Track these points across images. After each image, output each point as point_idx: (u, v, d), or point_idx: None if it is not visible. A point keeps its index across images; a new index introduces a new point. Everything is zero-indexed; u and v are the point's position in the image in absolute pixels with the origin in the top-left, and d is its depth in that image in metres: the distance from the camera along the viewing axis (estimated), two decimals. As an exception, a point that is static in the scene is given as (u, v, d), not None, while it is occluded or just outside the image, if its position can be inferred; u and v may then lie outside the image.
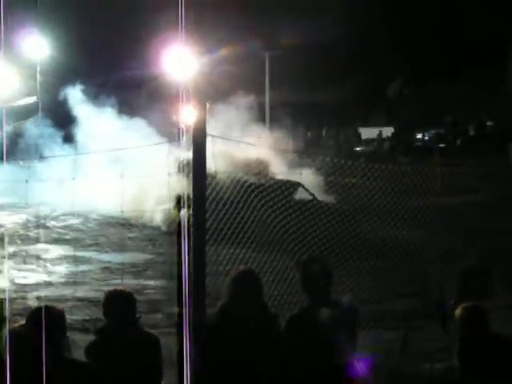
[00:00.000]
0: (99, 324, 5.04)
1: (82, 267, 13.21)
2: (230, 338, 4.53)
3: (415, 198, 15.31)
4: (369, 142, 36.25)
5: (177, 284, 6.03)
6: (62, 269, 13.03)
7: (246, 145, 16.83)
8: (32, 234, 16.20)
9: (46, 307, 4.24)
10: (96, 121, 20.36)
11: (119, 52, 23.59)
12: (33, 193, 18.63)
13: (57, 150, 20.05)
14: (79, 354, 4.94)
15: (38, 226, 16.80)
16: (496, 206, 14.21)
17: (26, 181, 17.18)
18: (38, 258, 13.61)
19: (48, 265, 13.24)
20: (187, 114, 5.49)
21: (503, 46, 36.18)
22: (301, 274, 4.69)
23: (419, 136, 36.67)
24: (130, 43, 23.22)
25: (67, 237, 16.09)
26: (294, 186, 16.20)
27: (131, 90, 21.55)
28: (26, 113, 23.05)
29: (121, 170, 16.72)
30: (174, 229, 5.78)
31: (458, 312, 4.86)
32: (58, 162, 18.31)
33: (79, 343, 5.72)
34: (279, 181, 16.05)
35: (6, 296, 10.15)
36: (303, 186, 16.70)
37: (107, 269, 13.02)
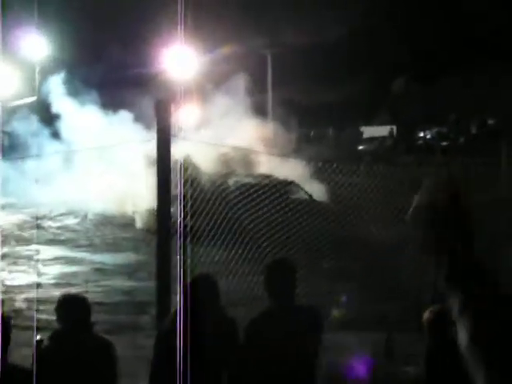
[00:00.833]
0: (52, 329, 4.96)
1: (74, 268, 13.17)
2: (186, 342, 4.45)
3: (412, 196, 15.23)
4: (371, 140, 36.12)
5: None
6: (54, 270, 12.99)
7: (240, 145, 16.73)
8: (27, 234, 16.19)
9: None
10: (89, 119, 20.31)
11: (118, 50, 23.58)
12: (30, 192, 18.77)
13: (48, 148, 20.01)
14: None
15: (33, 227, 16.80)
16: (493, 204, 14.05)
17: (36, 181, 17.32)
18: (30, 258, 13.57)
19: (40, 265, 13.20)
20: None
21: (508, 45, 35.98)
22: (264, 276, 4.62)
23: (421, 134, 36.55)
24: (130, 41, 23.20)
25: (62, 237, 16.05)
26: (289, 185, 16.10)
27: (129, 88, 21.47)
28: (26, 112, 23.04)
29: (106, 168, 16.82)
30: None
31: (426, 315, 4.79)
32: (49, 161, 18.34)
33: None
34: (274, 180, 15.95)
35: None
36: (298, 185, 16.60)
37: (99, 270, 12.96)
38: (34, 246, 14.75)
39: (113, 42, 25.49)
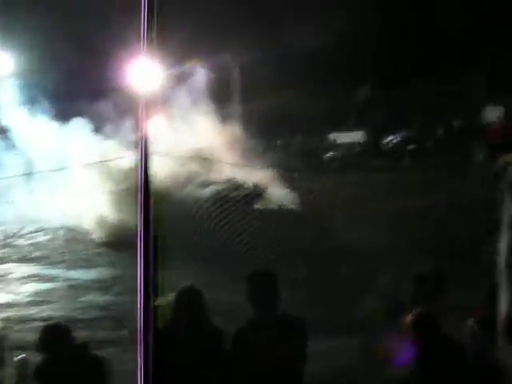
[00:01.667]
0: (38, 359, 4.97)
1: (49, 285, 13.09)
2: (174, 355, 4.51)
3: (382, 201, 15.45)
4: (339, 146, 36.34)
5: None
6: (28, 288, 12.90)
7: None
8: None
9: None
10: (45, 132, 20.18)
11: (80, 64, 23.43)
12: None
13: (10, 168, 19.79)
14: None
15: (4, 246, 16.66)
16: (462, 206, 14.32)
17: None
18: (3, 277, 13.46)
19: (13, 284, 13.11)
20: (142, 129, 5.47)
21: (473, 50, 36.56)
22: (247, 287, 4.67)
23: (389, 139, 36.89)
24: (92, 55, 23.08)
25: (34, 255, 15.92)
26: (261, 196, 16.23)
27: (92, 103, 21.37)
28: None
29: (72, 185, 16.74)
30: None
31: (408, 318, 4.89)
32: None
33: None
34: (243, 190, 16.06)
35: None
36: (268, 195, 16.73)
37: (74, 286, 12.90)
38: (6, 265, 14.61)
39: (74, 53, 25.32)
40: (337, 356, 6.44)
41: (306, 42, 34.87)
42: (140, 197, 5.16)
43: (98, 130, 20.01)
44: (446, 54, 36.53)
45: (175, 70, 21.00)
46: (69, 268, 14.36)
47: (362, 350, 6.84)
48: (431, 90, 37.54)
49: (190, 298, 4.64)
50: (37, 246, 16.70)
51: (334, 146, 36.84)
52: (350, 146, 36.42)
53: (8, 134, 21.30)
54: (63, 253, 15.60)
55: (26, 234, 18.02)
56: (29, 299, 12.04)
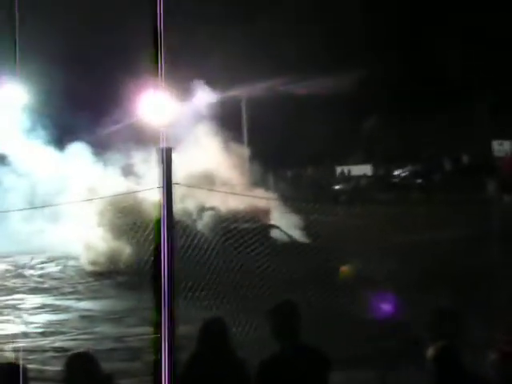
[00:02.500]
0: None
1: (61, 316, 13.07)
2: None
3: (393, 234, 15.44)
4: (347, 179, 36.48)
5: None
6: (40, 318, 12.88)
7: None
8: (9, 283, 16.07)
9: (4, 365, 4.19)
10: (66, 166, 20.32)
11: (97, 97, 23.71)
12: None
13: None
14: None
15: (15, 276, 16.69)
16: (472, 241, 14.31)
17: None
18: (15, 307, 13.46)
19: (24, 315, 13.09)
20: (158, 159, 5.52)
21: (474, 86, 36.83)
22: (270, 320, 4.69)
23: (397, 172, 37.00)
24: (108, 87, 23.35)
25: (45, 285, 15.94)
26: (271, 228, 16.27)
27: (108, 135, 21.61)
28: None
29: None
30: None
31: (430, 351, 4.88)
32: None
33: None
34: (256, 224, 16.08)
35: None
36: (280, 228, 16.75)
37: (86, 317, 12.87)
38: (17, 295, 14.63)
39: (91, 88, 25.60)
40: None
41: (316, 77, 35.25)
42: (163, 228, 5.20)
43: (109, 161, 20.19)
44: (453, 90, 36.85)
45: (186, 103, 21.21)
46: (80, 299, 14.37)
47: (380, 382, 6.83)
48: (439, 124, 37.80)
49: (215, 329, 4.66)
50: (47, 276, 16.74)
51: (343, 178, 37.04)
52: (358, 178, 36.59)
53: (13, 163, 21.49)
54: (74, 283, 15.61)
55: (37, 264, 18.09)
56: (41, 330, 12.01)
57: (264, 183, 23.52)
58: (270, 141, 33.10)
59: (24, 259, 18.81)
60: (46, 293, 15.08)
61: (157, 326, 5.42)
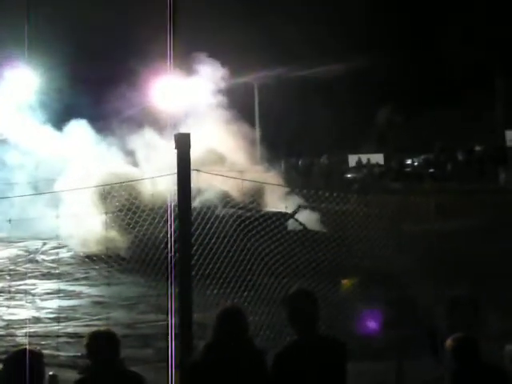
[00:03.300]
0: (83, 365, 4.95)
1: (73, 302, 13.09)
2: (215, 375, 4.47)
3: (406, 224, 15.34)
4: (359, 168, 36.35)
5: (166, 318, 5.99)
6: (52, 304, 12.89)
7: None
8: (21, 268, 16.10)
9: (24, 350, 4.16)
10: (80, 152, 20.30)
11: (108, 82, 23.63)
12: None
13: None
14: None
15: (27, 261, 16.71)
16: (486, 231, 14.21)
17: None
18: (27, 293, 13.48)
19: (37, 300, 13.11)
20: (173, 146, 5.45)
21: (490, 74, 36.58)
22: (287, 308, 4.63)
23: (409, 162, 36.83)
24: (120, 73, 23.29)
25: (57, 271, 15.94)
26: (285, 217, 16.16)
27: (120, 121, 21.53)
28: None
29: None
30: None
31: (448, 343, 4.82)
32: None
33: (69, 380, 5.65)
34: (269, 213, 16.00)
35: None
36: (293, 217, 16.66)
37: (98, 303, 12.88)
38: (29, 281, 14.65)
39: (103, 75, 25.56)
40: (373, 378, 6.37)
41: (330, 65, 35.10)
42: (179, 215, 5.14)
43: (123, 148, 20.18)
44: (465, 80, 36.60)
45: (198, 90, 21.10)
46: (92, 285, 14.37)
47: (398, 372, 6.78)
48: (452, 114, 37.57)
49: (232, 317, 4.61)
50: (59, 262, 16.74)
51: (355, 167, 36.92)
52: (371, 167, 36.46)
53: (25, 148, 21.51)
54: (87, 269, 15.60)
55: (49, 249, 18.11)
56: (53, 315, 12.02)
57: (276, 171, 23.42)
58: (282, 128, 33.02)
59: (36, 244, 18.84)
60: (59, 278, 15.10)
61: (169, 313, 5.38)
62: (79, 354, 9.18)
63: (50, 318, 11.86)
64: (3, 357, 5.43)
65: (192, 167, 5.20)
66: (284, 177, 25.89)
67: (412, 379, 6.68)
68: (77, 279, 15.16)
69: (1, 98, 22.49)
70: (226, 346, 4.48)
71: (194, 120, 18.82)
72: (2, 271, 15.85)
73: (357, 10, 34.97)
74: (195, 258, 7.27)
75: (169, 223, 5.24)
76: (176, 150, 5.07)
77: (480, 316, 6.10)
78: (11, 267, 16.27)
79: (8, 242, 19.25)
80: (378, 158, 37.23)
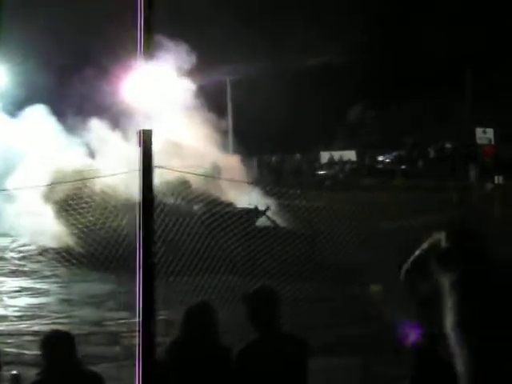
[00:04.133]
0: (38, 367, 4.87)
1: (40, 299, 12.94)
2: (181, 372, 4.44)
3: (377, 220, 15.42)
4: (331, 165, 36.49)
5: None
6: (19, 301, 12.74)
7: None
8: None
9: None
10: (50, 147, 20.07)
11: (79, 77, 23.43)
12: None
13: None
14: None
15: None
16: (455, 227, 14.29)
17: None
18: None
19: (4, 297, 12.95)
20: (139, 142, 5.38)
21: (459, 70, 36.91)
22: (248, 306, 4.58)
23: (381, 158, 37.05)
24: (90, 67, 23.10)
25: (25, 268, 15.76)
26: (255, 213, 16.17)
27: (91, 116, 21.33)
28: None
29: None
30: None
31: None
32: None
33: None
34: (239, 209, 15.98)
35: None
36: (264, 213, 16.66)
37: (66, 301, 12.75)
38: (-2, 278, 14.49)
39: (74, 66, 25.34)
40: (337, 375, 6.38)
41: (301, 62, 35.14)
42: (141, 211, 5.08)
43: (90, 143, 20.02)
44: (438, 77, 36.89)
45: (170, 83, 20.95)
46: (60, 282, 14.22)
47: (362, 370, 6.78)
48: (424, 111, 37.85)
49: (199, 314, 4.58)
50: (29, 259, 16.55)
51: (328, 164, 37.02)
52: (343, 164, 36.61)
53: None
54: (55, 267, 15.44)
55: (18, 247, 17.89)
56: (19, 313, 11.88)
57: (248, 167, 23.39)
58: (254, 125, 32.98)
59: (5, 242, 18.60)
60: (26, 276, 14.94)
61: (135, 311, 5.32)
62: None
63: (16, 316, 11.72)
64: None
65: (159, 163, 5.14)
66: (257, 173, 25.91)
67: (377, 375, 6.70)
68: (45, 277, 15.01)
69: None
70: (192, 342, 4.44)
71: (164, 116, 18.68)
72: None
73: (331, 1, 35.13)
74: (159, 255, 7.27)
75: (138, 220, 5.16)
76: (139, 147, 4.98)
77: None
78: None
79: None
80: (350, 155, 37.40)
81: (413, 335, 4.61)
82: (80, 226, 15.78)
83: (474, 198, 20.85)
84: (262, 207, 16.93)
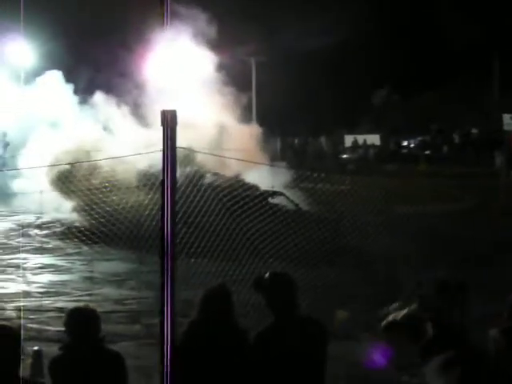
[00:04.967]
0: (61, 342, 4.93)
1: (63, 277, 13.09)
2: (198, 355, 4.48)
3: (400, 206, 15.35)
4: (355, 149, 36.32)
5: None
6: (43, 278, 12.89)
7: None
8: (13, 242, 16.07)
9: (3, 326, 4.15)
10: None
11: (104, 58, 23.51)
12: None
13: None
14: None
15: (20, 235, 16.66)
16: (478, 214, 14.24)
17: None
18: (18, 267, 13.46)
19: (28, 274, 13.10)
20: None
21: (487, 57, 36.47)
22: (265, 290, 4.60)
23: (405, 143, 36.81)
24: (114, 48, 23.14)
25: (49, 245, 15.93)
26: (277, 195, 16.15)
27: (116, 97, 21.41)
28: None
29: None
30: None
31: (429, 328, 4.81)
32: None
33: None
34: (262, 191, 15.95)
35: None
36: (286, 196, 16.62)
37: (89, 278, 12.88)
38: (21, 255, 14.62)
39: (98, 47, 25.42)
40: (356, 359, 6.39)
41: (327, 46, 34.88)
42: (165, 191, 5.11)
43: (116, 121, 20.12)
44: (466, 63, 36.48)
45: (193, 65, 20.91)
46: (83, 260, 14.36)
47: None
48: (450, 97, 37.44)
49: (217, 296, 4.61)
50: (52, 236, 16.72)
51: (351, 148, 36.86)
52: (366, 148, 36.42)
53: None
54: (78, 245, 15.57)
55: (42, 224, 18.07)
56: (43, 290, 12.03)
57: (271, 150, 23.36)
58: (278, 107, 32.87)
59: (29, 218, 18.81)
60: (50, 253, 15.09)
61: (159, 289, 5.37)
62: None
63: (40, 293, 11.87)
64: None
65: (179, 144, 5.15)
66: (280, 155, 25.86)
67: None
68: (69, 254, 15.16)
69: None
70: (209, 324, 4.48)
71: (187, 94, 18.64)
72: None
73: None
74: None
75: (164, 201, 5.18)
76: (162, 127, 5.00)
77: (466, 299, 6.08)
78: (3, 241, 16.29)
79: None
80: (374, 139, 37.19)
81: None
82: (103, 204, 15.87)
83: (500, 184, 20.63)
84: (284, 190, 16.92)
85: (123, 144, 17.09)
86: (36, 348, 7.04)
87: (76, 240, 15.63)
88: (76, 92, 21.63)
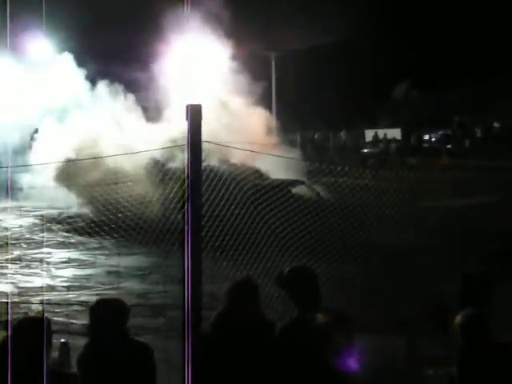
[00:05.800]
0: (86, 336, 4.97)
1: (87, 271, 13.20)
2: (224, 347, 4.50)
3: (422, 200, 15.26)
4: (376, 143, 36.14)
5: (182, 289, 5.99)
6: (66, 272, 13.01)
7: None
8: (37, 237, 16.22)
9: (33, 318, 4.20)
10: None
11: (125, 53, 23.61)
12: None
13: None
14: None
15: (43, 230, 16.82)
16: (503, 208, 14.11)
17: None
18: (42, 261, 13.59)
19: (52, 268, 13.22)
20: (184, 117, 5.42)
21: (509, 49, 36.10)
22: (288, 284, 4.62)
23: (426, 137, 36.55)
24: (135, 43, 23.24)
25: (72, 240, 16.05)
26: (298, 184, 16.16)
27: (136, 91, 21.51)
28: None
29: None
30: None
31: (458, 319, 4.80)
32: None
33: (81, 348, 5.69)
34: (282, 180, 15.95)
35: (9, 300, 10.16)
36: (307, 184, 16.61)
37: (112, 273, 12.97)
38: (45, 249, 14.76)
39: (120, 41, 25.55)
40: (380, 354, 6.37)
41: (348, 40, 34.76)
42: (189, 185, 5.13)
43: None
44: (488, 56, 36.13)
45: (214, 60, 20.94)
46: (107, 254, 14.46)
47: (408, 348, 6.77)
48: (472, 90, 37.12)
49: (244, 290, 4.63)
50: (76, 231, 16.84)
51: (371, 142, 36.68)
52: (386, 142, 36.22)
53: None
54: (102, 239, 15.67)
55: (65, 219, 18.20)
56: (67, 284, 12.14)
57: (291, 143, 23.33)
58: (299, 101, 32.80)
59: (52, 214, 18.96)
60: (74, 247, 15.22)
61: (182, 283, 5.40)
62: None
63: (63, 287, 11.98)
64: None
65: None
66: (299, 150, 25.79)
67: (419, 355, 6.68)
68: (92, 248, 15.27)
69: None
70: (237, 316, 4.50)
71: (208, 89, 18.69)
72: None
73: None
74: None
75: (187, 194, 5.21)
76: (187, 121, 5.02)
77: (492, 293, 6.06)
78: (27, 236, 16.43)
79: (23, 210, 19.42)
80: (395, 133, 36.97)
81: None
82: (129, 198, 15.96)
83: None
84: (306, 183, 16.93)
85: (146, 138, 17.15)
86: (63, 340, 7.10)
87: (100, 234, 15.72)
88: (94, 86, 21.71)
